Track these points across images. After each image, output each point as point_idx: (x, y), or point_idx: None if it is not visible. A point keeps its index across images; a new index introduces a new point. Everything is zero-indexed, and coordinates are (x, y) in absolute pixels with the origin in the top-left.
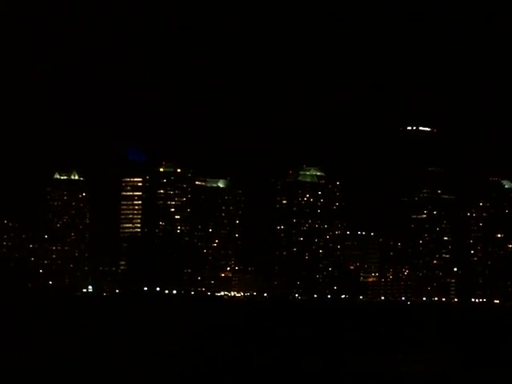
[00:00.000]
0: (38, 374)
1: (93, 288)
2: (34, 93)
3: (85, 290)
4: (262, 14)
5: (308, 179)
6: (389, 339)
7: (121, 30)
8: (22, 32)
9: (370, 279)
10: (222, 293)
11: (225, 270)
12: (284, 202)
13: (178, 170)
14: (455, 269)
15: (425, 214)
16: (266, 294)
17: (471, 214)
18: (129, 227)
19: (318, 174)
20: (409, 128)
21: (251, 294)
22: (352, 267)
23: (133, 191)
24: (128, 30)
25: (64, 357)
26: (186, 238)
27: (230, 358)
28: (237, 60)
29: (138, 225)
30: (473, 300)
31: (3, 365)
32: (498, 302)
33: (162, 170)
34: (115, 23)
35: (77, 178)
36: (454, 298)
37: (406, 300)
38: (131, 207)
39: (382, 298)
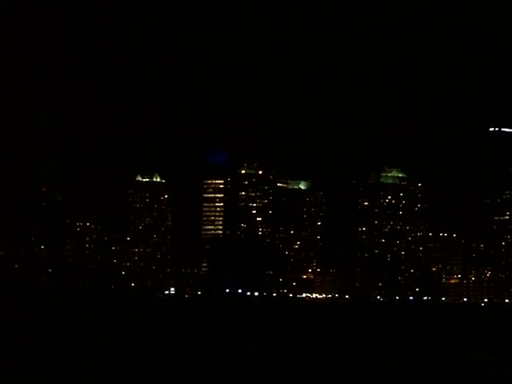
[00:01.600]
0: (120, 373)
1: (175, 290)
2: (119, 96)
3: (167, 292)
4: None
5: (390, 181)
6: (470, 340)
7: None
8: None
9: (452, 281)
10: (304, 294)
11: (306, 272)
12: (366, 203)
13: (260, 172)
14: None
15: (507, 215)
16: (347, 296)
17: None
18: (210, 229)
19: (400, 175)
20: (491, 129)
21: (333, 296)
22: (434, 269)
23: (214, 193)
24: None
25: (142, 357)
26: (268, 240)
27: (312, 361)
28: (321, 62)
29: (220, 226)
30: None
31: (87, 364)
32: None
33: (243, 171)
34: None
35: (158, 180)
36: None
37: (489, 302)
38: (213, 209)
39: (465, 299)
